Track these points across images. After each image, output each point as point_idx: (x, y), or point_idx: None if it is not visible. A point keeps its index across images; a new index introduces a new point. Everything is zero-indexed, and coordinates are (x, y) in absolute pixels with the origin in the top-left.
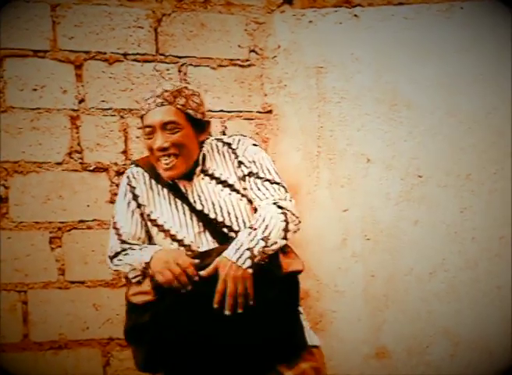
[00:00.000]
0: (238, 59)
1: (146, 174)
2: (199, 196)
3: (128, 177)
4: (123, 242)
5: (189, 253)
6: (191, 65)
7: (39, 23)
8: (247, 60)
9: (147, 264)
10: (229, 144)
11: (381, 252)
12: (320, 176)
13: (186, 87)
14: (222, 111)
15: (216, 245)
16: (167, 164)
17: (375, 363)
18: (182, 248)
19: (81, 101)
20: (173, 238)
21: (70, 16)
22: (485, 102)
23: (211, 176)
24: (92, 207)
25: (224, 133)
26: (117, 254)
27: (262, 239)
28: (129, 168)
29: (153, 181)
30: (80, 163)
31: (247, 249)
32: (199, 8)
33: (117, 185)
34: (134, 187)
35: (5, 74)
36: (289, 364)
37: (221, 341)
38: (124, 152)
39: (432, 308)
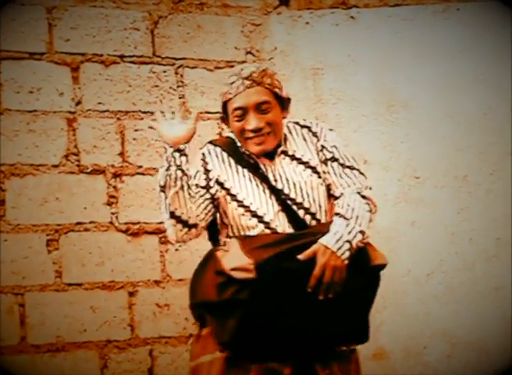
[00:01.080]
0: (235, 61)
1: (224, 153)
2: (280, 176)
3: (203, 154)
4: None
5: (268, 231)
6: (188, 67)
7: (35, 26)
8: (244, 62)
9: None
10: (308, 128)
11: None
12: None
13: (266, 68)
14: (218, 112)
15: (291, 227)
16: (259, 139)
17: (372, 364)
18: (261, 225)
19: (78, 103)
20: (253, 214)
21: (66, 19)
22: (482, 103)
23: (292, 157)
24: (89, 209)
25: (221, 135)
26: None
27: (360, 232)
28: (205, 146)
29: (231, 160)
30: (77, 165)
31: (347, 241)
32: (195, 10)
33: (114, 187)
34: (207, 163)
35: (1, 77)
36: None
37: (302, 321)
38: (121, 154)
39: (430, 310)
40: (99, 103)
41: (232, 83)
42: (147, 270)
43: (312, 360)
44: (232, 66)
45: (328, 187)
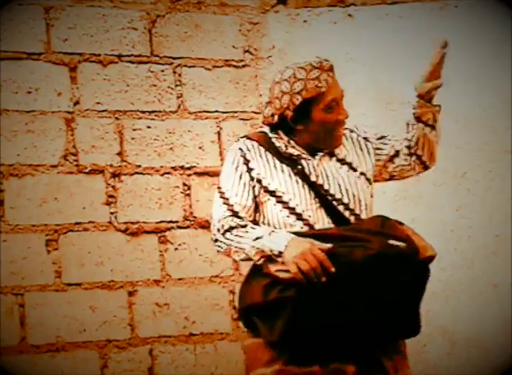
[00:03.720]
0: (233, 60)
1: (261, 148)
2: (321, 172)
3: (241, 149)
4: (235, 215)
5: (306, 228)
6: (186, 66)
7: (33, 26)
8: (242, 61)
9: (281, 253)
10: (353, 131)
11: None
12: None
13: None
14: (217, 111)
15: (330, 223)
16: (340, 133)
17: None
18: (300, 222)
19: (76, 103)
20: (292, 211)
21: (64, 19)
22: (480, 101)
23: (341, 161)
24: (88, 209)
25: (219, 134)
26: (232, 228)
27: None
28: (239, 141)
29: (269, 155)
30: (76, 165)
31: None
32: (193, 9)
33: (113, 187)
34: (249, 160)
35: None
36: (395, 368)
37: (353, 318)
38: (119, 154)
39: (429, 307)
40: (97, 103)
41: (317, 77)
42: (146, 270)
43: (375, 354)
44: (230, 65)
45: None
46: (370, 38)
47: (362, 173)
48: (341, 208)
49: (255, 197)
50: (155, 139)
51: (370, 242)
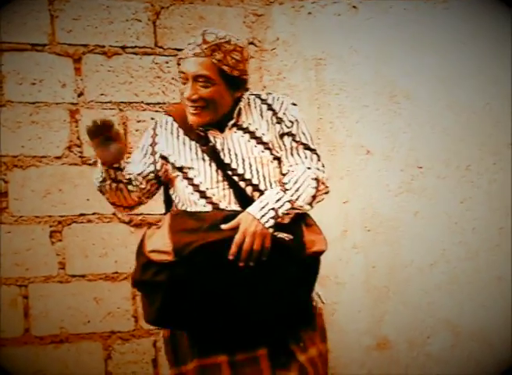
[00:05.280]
0: None
1: (175, 124)
2: (229, 149)
3: (156, 123)
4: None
5: (209, 207)
6: None
7: (37, 17)
8: None
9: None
10: (265, 100)
11: (381, 244)
12: None
13: (228, 41)
14: None
15: (237, 203)
16: (194, 111)
17: (376, 354)
18: (203, 200)
19: (80, 94)
20: (196, 189)
21: (68, 10)
22: (484, 93)
23: (245, 130)
24: (92, 201)
25: None
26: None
27: (289, 201)
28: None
29: (181, 131)
30: (80, 157)
31: (272, 209)
32: (197, 0)
33: None
34: (157, 135)
35: (3, 68)
36: (302, 348)
37: (233, 303)
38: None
39: (433, 299)
40: (101, 94)
41: (189, 44)
42: None
43: (281, 339)
44: None
45: (280, 163)
46: (374, 31)
47: (265, 144)
48: (249, 189)
49: (156, 171)
50: None
51: None
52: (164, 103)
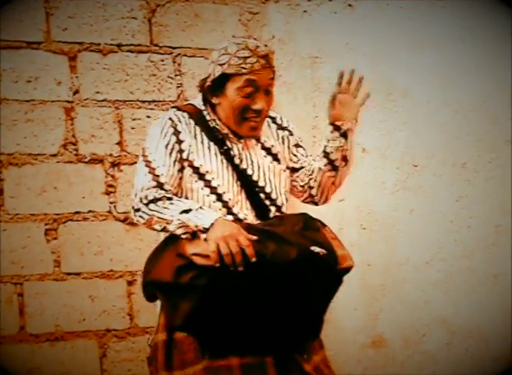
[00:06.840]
0: None
1: (191, 120)
2: (246, 156)
3: (172, 119)
4: (161, 187)
5: (224, 211)
6: (185, 55)
7: (33, 15)
8: None
9: (206, 230)
10: (272, 118)
11: (377, 241)
12: None
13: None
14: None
15: (250, 210)
16: (255, 123)
17: (371, 352)
18: (219, 203)
19: (75, 92)
20: (213, 191)
21: (64, 8)
22: (480, 91)
23: (258, 140)
24: (87, 198)
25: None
26: (155, 200)
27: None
28: (169, 111)
29: (198, 129)
30: (75, 155)
31: None
32: None
33: (112, 176)
34: (179, 132)
35: None
36: (306, 359)
37: (258, 310)
38: (119, 143)
39: (429, 297)
40: (97, 92)
41: (246, 58)
42: (145, 259)
43: (289, 349)
44: None
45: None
46: (370, 29)
47: (274, 155)
48: (262, 196)
49: (180, 170)
50: None
51: (290, 245)
52: (159, 101)
